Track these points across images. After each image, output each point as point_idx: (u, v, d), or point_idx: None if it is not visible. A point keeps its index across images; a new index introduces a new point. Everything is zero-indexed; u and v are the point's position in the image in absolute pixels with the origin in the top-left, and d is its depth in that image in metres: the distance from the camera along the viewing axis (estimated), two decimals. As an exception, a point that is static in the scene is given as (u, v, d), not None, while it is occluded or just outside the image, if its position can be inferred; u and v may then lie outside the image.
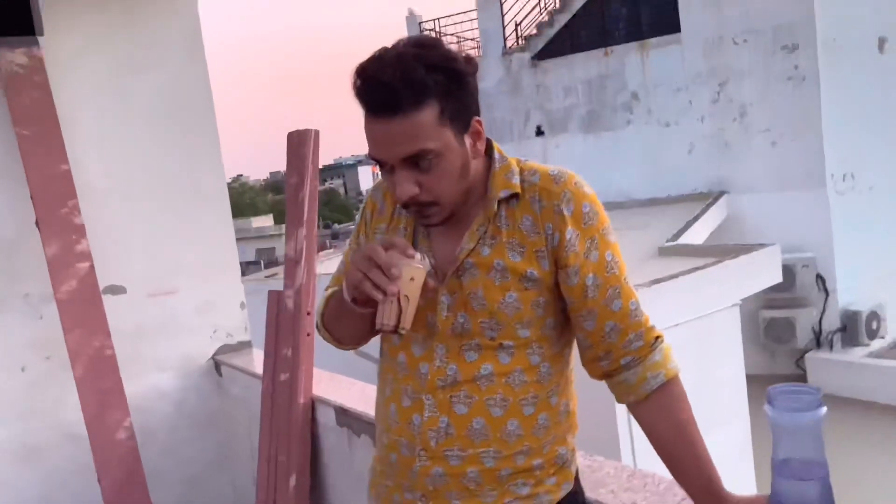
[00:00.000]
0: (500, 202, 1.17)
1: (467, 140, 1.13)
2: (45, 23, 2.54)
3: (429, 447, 1.17)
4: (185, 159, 2.80)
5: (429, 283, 1.10)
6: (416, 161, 1.09)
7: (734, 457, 5.04)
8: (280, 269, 10.52)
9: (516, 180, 1.18)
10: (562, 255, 1.16)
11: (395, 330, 1.07)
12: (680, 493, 1.21)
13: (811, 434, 0.97)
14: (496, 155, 1.21)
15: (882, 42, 9.70)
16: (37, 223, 2.39)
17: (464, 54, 1.14)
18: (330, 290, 1.33)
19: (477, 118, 1.14)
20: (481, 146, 1.17)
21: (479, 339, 1.16)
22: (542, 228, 1.15)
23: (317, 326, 1.34)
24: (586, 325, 1.19)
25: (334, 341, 1.31)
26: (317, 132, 2.37)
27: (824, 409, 0.97)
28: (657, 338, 1.21)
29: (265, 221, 33.90)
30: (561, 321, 1.21)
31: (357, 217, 1.35)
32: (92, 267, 2.42)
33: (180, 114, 2.79)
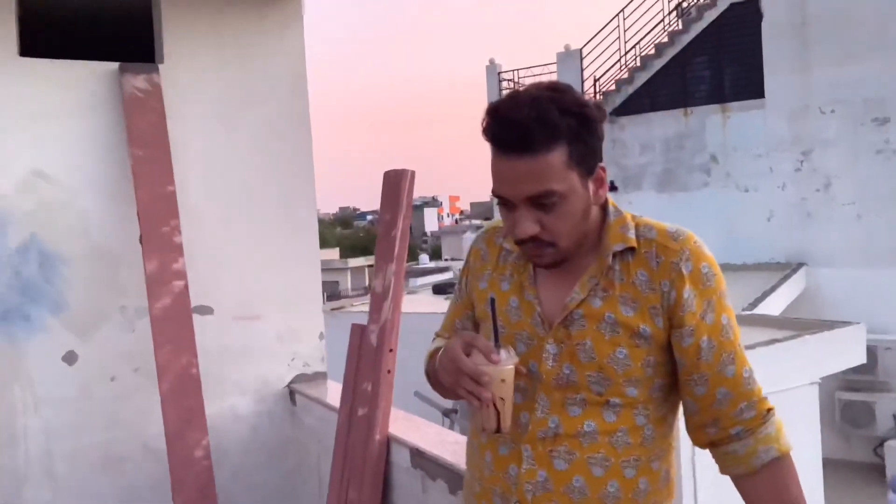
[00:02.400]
0: (614, 255, 1.16)
1: (591, 185, 1.14)
2: (165, 52, 2.70)
3: (525, 500, 1.15)
4: (281, 190, 2.88)
5: (520, 370, 1.11)
6: (540, 201, 1.10)
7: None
8: (344, 303, 10.66)
9: (632, 234, 1.17)
10: (677, 314, 1.13)
11: (497, 431, 1.11)
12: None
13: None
14: (610, 208, 1.20)
15: (978, 120, 9.35)
16: (140, 239, 2.49)
17: (594, 101, 1.16)
18: (436, 344, 1.36)
19: (601, 165, 1.15)
20: (603, 193, 1.17)
21: (584, 393, 1.14)
22: (658, 285, 1.14)
23: (426, 373, 1.35)
24: (696, 389, 1.15)
25: (442, 392, 1.30)
26: (413, 173, 2.42)
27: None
28: (769, 410, 1.16)
29: (331, 255, 34.54)
30: (669, 384, 1.18)
31: (462, 266, 1.39)
32: (186, 286, 2.50)
33: (280, 146, 2.89)
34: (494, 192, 1.13)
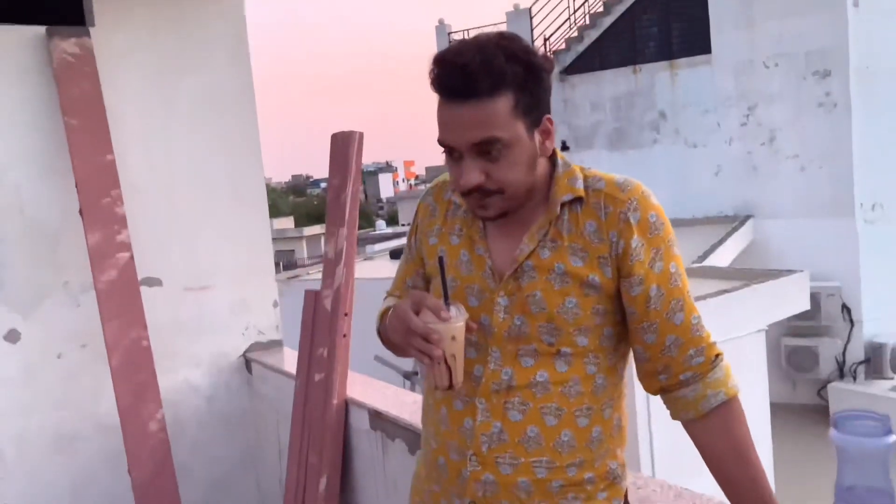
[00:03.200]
0: (562, 206, 1.16)
1: (537, 136, 1.13)
2: (96, 15, 2.57)
3: (480, 452, 1.15)
4: (226, 159, 2.81)
5: (471, 326, 1.11)
6: (485, 149, 1.08)
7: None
8: (299, 271, 10.55)
9: (580, 185, 1.17)
10: (626, 263, 1.14)
11: (450, 388, 1.11)
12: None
13: (878, 462, 0.95)
14: (559, 160, 1.20)
15: (917, 72, 9.62)
16: (80, 212, 2.40)
17: (542, 52, 1.14)
18: (387, 303, 1.35)
19: (548, 116, 1.14)
20: (550, 145, 1.16)
21: (536, 344, 1.14)
22: (607, 235, 1.14)
23: (377, 332, 1.34)
24: (646, 337, 1.17)
25: (394, 351, 1.30)
26: (361, 134, 2.38)
27: (893, 437, 0.94)
28: (717, 355, 1.18)
29: (286, 224, 34.13)
30: (619, 332, 1.19)
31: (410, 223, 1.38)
32: (132, 258, 2.43)
33: (223, 114, 2.81)
34: (440, 141, 1.11)
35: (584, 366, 1.16)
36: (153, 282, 2.63)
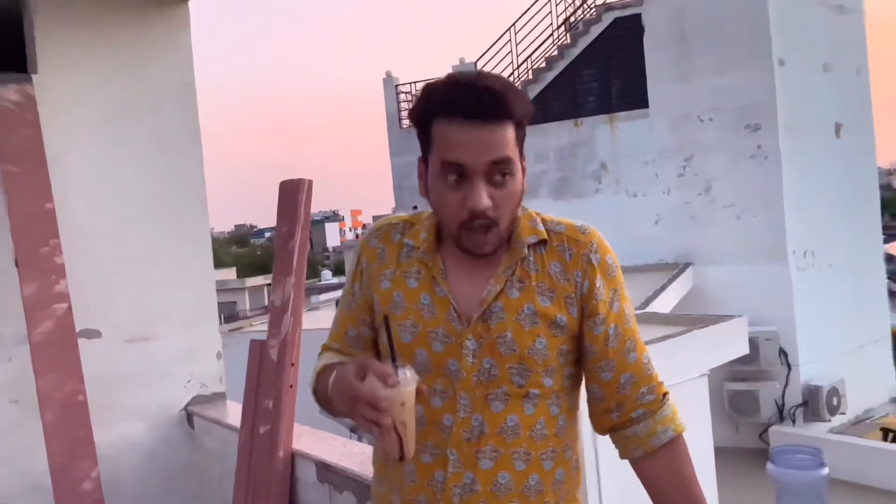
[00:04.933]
0: (528, 247, 1.19)
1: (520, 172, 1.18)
2: (41, 61, 2.55)
3: None
4: (172, 207, 2.78)
5: (422, 389, 1.06)
6: (499, 169, 1.10)
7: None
8: (242, 323, 10.36)
9: (541, 227, 1.20)
10: (591, 303, 1.18)
11: (401, 459, 1.05)
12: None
13: (813, 493, 0.99)
14: None
15: (839, 127, 10.18)
16: (16, 262, 2.33)
17: None
18: (324, 360, 1.27)
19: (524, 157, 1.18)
20: (524, 184, 1.18)
21: (506, 386, 1.14)
22: (572, 275, 1.18)
23: (313, 392, 1.26)
24: (603, 375, 1.20)
25: (333, 413, 1.23)
26: (310, 182, 2.39)
27: (826, 470, 0.99)
28: (665, 394, 1.23)
29: (228, 275, 33.48)
30: (575, 372, 1.22)
31: (355, 259, 1.29)
32: (69, 309, 2.36)
33: (170, 160, 2.79)
34: (452, 160, 1.09)
35: (548, 407, 1.17)
36: (92, 333, 2.55)
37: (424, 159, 1.16)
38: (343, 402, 1.06)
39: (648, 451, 1.20)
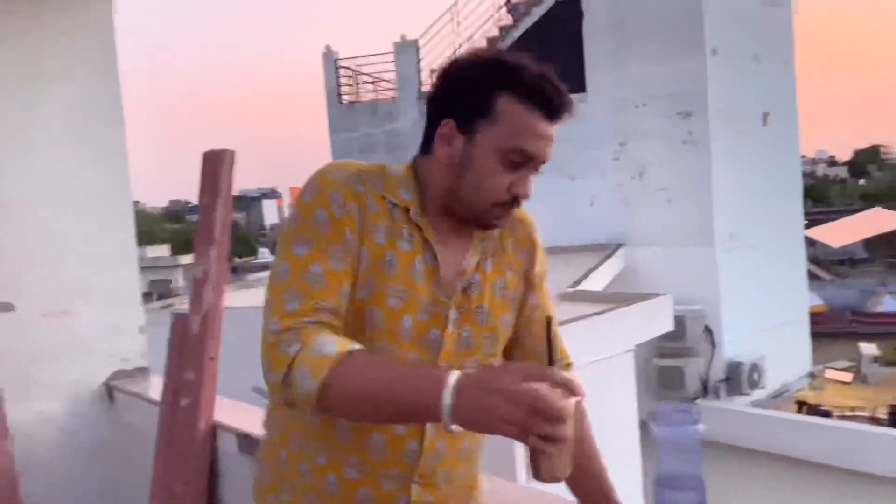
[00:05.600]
0: None
1: None
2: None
3: (425, 474, 1.14)
4: (92, 178, 2.70)
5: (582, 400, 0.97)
6: (541, 166, 1.15)
7: (625, 500, 5.21)
8: (175, 301, 10.12)
9: None
10: (534, 278, 1.26)
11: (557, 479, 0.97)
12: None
13: (690, 449, 1.07)
14: None
15: (766, 116, 10.59)
16: (-78, 232, 2.24)
17: None
18: (339, 349, 1.00)
19: None
20: None
21: (478, 356, 1.18)
22: (524, 252, 1.25)
23: (322, 386, 0.98)
24: (527, 342, 1.26)
25: (357, 417, 1.08)
26: (233, 152, 2.36)
27: (701, 426, 1.07)
28: (570, 364, 1.31)
29: (162, 251, 32.63)
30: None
31: (321, 216, 1.09)
32: (-19, 281, 2.29)
33: (89, 130, 2.71)
34: (523, 148, 1.09)
35: None
36: (5, 307, 2.47)
37: (467, 124, 1.10)
38: (508, 416, 0.89)
39: None
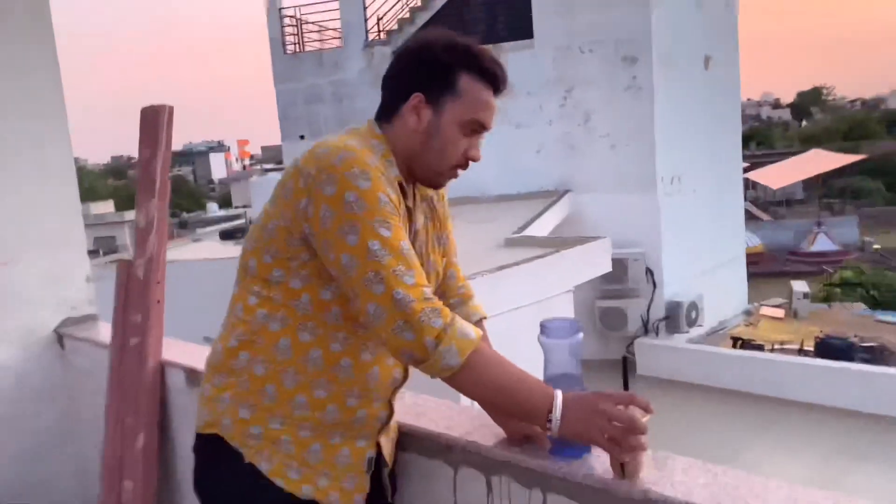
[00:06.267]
0: None
1: None
2: None
3: (390, 399, 1.41)
4: (30, 133, 2.73)
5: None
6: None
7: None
8: (122, 256, 10.06)
9: None
10: (447, 223, 1.56)
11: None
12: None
13: (571, 354, 1.26)
14: None
15: (707, 59, 10.79)
16: None
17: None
18: (473, 335, 1.23)
19: None
20: None
21: None
22: (441, 203, 1.52)
23: (461, 365, 1.21)
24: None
25: (462, 389, 1.26)
26: (171, 108, 2.44)
27: (581, 335, 1.25)
28: (484, 318, 1.61)
29: (106, 208, 31.81)
30: None
31: (386, 200, 1.24)
32: (-76, 234, 2.34)
33: (25, 87, 2.72)
34: (479, 119, 1.33)
35: None
36: (-51, 259, 2.53)
37: (434, 98, 1.31)
38: (599, 430, 1.15)
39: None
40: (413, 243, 1.34)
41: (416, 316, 1.18)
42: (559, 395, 1.19)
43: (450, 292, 1.51)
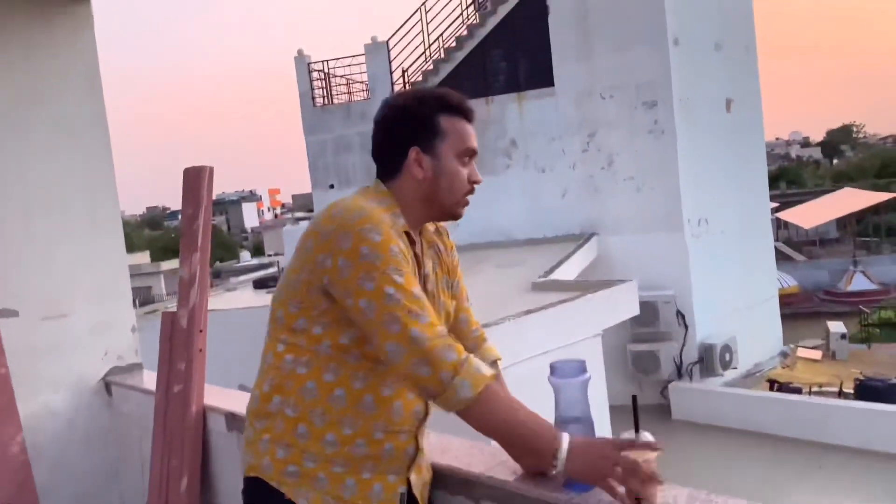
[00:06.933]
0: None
1: None
2: (-58, 55, 2.66)
3: (419, 430, 1.48)
4: (81, 189, 2.94)
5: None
6: None
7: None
8: (158, 306, 10.32)
9: None
10: (456, 269, 1.64)
11: None
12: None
13: (580, 393, 1.35)
14: None
15: (729, 102, 10.89)
16: (-69, 247, 2.47)
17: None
18: (486, 371, 1.33)
19: None
20: None
21: None
22: (447, 252, 1.61)
23: (475, 397, 1.31)
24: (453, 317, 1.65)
25: (472, 422, 1.34)
26: (211, 169, 2.62)
27: (588, 375, 1.35)
28: (498, 359, 1.66)
29: (141, 259, 32.56)
30: None
31: (397, 250, 1.36)
32: (-14, 290, 2.52)
33: (77, 146, 2.94)
34: (470, 147, 1.48)
35: None
36: (9, 313, 2.71)
37: (427, 146, 1.45)
38: (604, 473, 1.23)
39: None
40: (424, 286, 1.45)
41: (432, 352, 1.29)
42: (566, 438, 1.29)
43: (463, 336, 1.59)
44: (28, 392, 2.68)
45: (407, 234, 1.43)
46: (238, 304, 7.41)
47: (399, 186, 1.47)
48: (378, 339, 1.32)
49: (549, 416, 1.38)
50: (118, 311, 3.01)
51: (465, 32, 11.57)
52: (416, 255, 1.46)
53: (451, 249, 1.60)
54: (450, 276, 1.57)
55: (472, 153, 1.48)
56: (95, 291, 2.94)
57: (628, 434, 1.27)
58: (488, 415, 1.32)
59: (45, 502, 2.54)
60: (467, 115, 1.48)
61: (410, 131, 1.46)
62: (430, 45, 12.24)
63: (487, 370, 1.33)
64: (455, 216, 1.51)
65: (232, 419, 2.24)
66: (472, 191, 1.49)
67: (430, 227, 1.57)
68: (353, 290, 1.32)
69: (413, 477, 1.47)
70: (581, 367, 1.33)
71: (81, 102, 2.96)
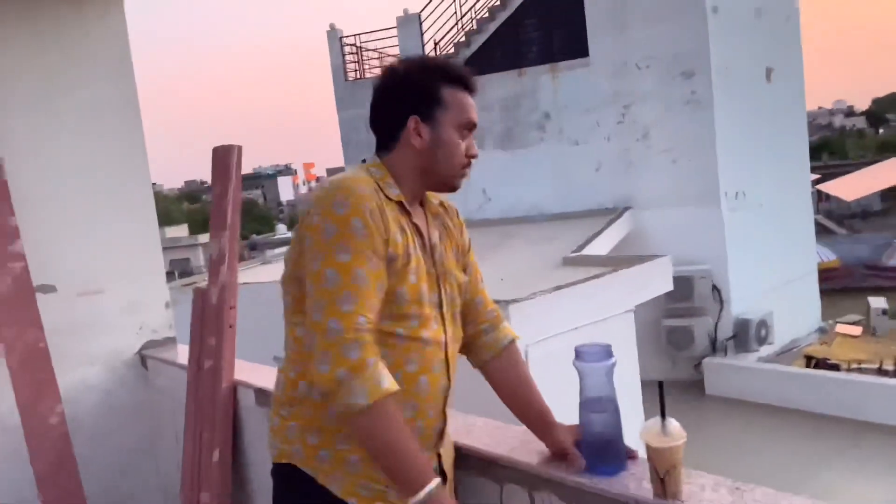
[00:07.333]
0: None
1: None
2: (-23, 39, 2.71)
3: (446, 406, 1.47)
4: (113, 169, 2.99)
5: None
6: None
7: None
8: (196, 279, 10.50)
9: None
10: (465, 246, 1.60)
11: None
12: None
13: (605, 378, 1.34)
14: None
15: (769, 72, 10.57)
16: (-28, 226, 2.54)
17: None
18: (389, 386, 1.27)
19: None
20: None
21: (455, 308, 1.51)
22: (456, 228, 1.59)
23: (368, 405, 1.25)
24: (467, 295, 1.60)
25: (354, 432, 1.31)
26: (240, 147, 2.64)
27: (614, 359, 1.34)
28: (497, 310, 1.63)
29: (180, 231, 33.12)
30: None
31: (358, 225, 1.30)
32: (26, 267, 2.59)
33: (108, 125, 2.99)
34: (473, 121, 1.45)
35: None
36: (48, 288, 2.79)
37: (428, 116, 1.42)
38: None
39: (496, 353, 1.55)
40: (433, 255, 1.45)
41: (337, 346, 1.24)
42: (433, 484, 1.26)
43: (479, 318, 1.57)
44: (66, 366, 2.77)
45: (400, 203, 1.41)
46: (274, 276, 7.48)
47: (396, 157, 1.44)
48: (307, 321, 1.30)
49: (575, 396, 1.37)
50: (152, 287, 3.08)
51: (497, 3, 11.39)
52: (415, 224, 1.44)
53: (462, 229, 1.58)
54: (461, 254, 1.56)
55: (471, 126, 1.46)
56: (129, 268, 3.01)
57: (654, 421, 1.24)
58: (374, 430, 1.27)
59: (84, 472, 2.63)
60: (470, 87, 1.46)
61: (410, 100, 1.43)
62: (462, 17, 12.10)
63: (390, 384, 1.26)
64: (452, 188, 1.49)
65: (261, 394, 2.28)
66: (469, 164, 1.47)
67: (435, 200, 1.54)
68: (308, 267, 1.31)
69: (442, 451, 1.48)
70: (607, 352, 1.32)
71: (112, 83, 3.01)
